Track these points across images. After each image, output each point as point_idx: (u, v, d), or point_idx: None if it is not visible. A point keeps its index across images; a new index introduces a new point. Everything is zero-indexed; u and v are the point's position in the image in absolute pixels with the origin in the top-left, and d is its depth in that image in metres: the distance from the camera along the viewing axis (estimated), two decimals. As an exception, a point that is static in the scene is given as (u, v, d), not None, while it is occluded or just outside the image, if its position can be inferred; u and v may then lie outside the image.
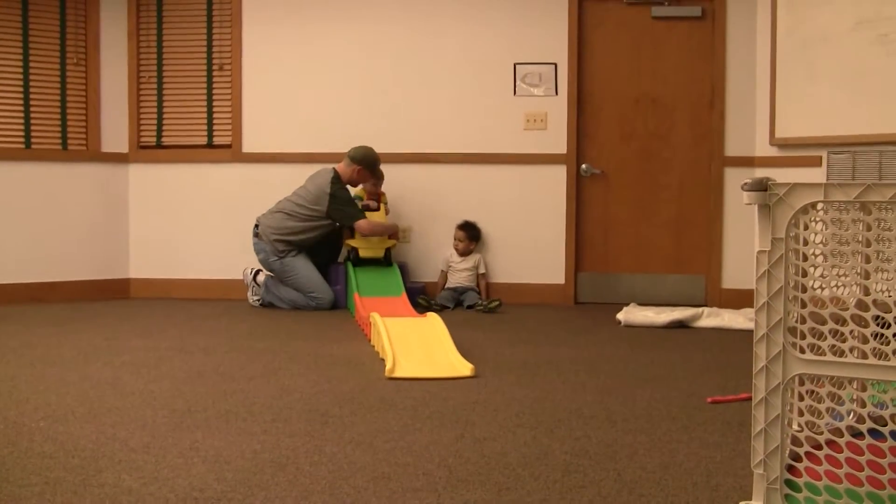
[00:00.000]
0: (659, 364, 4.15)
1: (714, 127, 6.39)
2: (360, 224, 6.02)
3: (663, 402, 3.33)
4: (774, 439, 1.86)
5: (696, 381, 3.74)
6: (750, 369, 3.09)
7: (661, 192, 6.51)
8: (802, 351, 1.83)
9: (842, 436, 1.79)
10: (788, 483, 1.87)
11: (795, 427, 1.86)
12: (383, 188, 6.36)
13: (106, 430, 2.89)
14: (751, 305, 5.62)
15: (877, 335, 1.78)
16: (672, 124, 6.48)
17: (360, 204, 6.14)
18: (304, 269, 6.04)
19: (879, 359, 1.78)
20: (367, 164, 6.08)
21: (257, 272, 6.22)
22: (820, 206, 1.81)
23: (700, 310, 5.46)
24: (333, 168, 6.12)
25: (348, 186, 6.14)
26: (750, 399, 3.23)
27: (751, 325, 5.18)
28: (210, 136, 6.68)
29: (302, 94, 6.59)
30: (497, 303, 5.94)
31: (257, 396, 3.36)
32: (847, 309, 1.78)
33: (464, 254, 6.39)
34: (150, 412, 3.10)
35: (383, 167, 6.30)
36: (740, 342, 4.82)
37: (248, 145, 6.63)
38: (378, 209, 6.16)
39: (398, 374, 3.77)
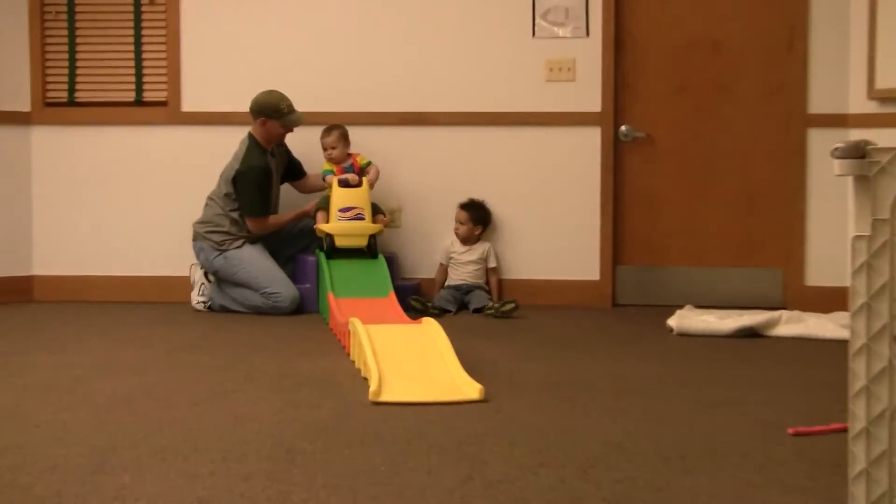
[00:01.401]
0: (723, 384, 4.13)
1: (793, 76, 6.37)
2: (250, 224, 6.16)
3: (730, 434, 3.31)
4: (879, 483, 1.84)
5: (772, 407, 3.72)
6: (844, 391, 3.05)
7: (722, 160, 6.49)
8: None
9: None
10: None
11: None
12: (370, 156, 6.33)
13: (2, 474, 2.87)
14: (843, 307, 5.60)
15: None
16: (738, 73, 6.46)
17: (332, 179, 6.11)
18: (253, 260, 6.08)
19: None
20: (268, 111, 6.09)
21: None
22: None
23: (776, 314, 5.44)
24: (248, 132, 6.20)
25: (272, 152, 6.21)
26: (845, 431, 3.21)
27: (844, 334, 5.16)
28: (139, 90, 6.66)
29: (259, 36, 6.57)
30: (512, 305, 5.93)
31: (203, 428, 3.35)
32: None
33: (467, 241, 6.38)
34: (61, 450, 3.08)
35: (361, 129, 6.30)
36: (830, 355, 4.80)
37: (189, 102, 6.61)
38: (359, 184, 6.13)
39: (386, 397, 3.76)
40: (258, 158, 6.11)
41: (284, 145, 6.35)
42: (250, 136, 6.16)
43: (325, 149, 6.26)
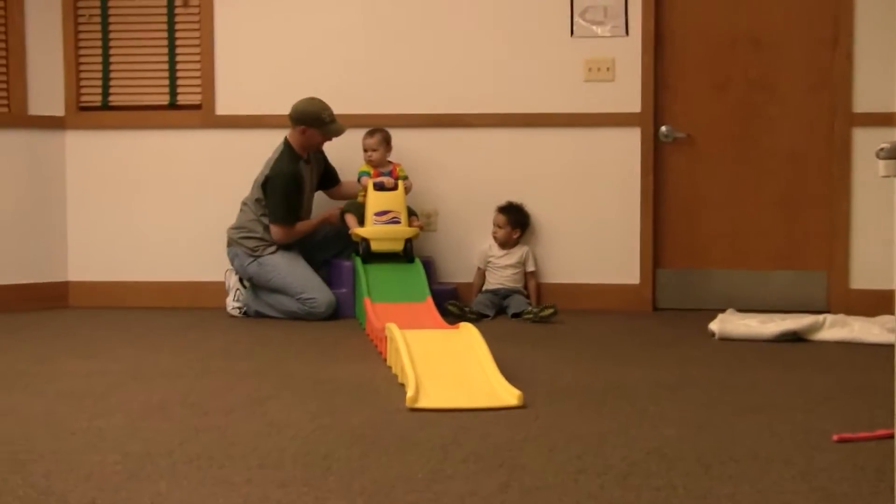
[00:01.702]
0: (766, 390, 4.12)
1: (838, 74, 6.33)
2: (274, 231, 6.16)
3: (773, 440, 3.30)
4: (926, 489, 1.83)
5: (816, 413, 3.70)
6: (890, 396, 3.04)
7: (766, 160, 6.46)
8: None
9: None
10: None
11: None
12: (402, 160, 6.35)
13: (37, 481, 2.89)
14: (889, 311, 5.57)
15: None
16: (781, 71, 6.43)
17: (367, 181, 6.13)
18: (287, 265, 6.10)
19: None
20: (310, 120, 6.11)
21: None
22: None
23: (821, 317, 5.41)
24: (285, 137, 6.21)
25: (305, 159, 6.22)
26: (891, 437, 3.20)
27: (890, 338, 5.12)
28: (173, 93, 6.70)
29: (293, 38, 6.60)
30: (551, 310, 5.93)
31: (238, 435, 3.36)
32: None
33: (506, 245, 6.38)
34: (96, 457, 3.11)
35: (396, 131, 6.31)
36: (876, 360, 4.76)
37: (224, 105, 6.64)
38: (395, 187, 6.14)
39: (423, 403, 3.76)
40: (290, 165, 6.12)
41: (322, 152, 6.36)
42: (286, 141, 6.18)
43: (365, 150, 6.27)
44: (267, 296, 6.14)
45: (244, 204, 6.24)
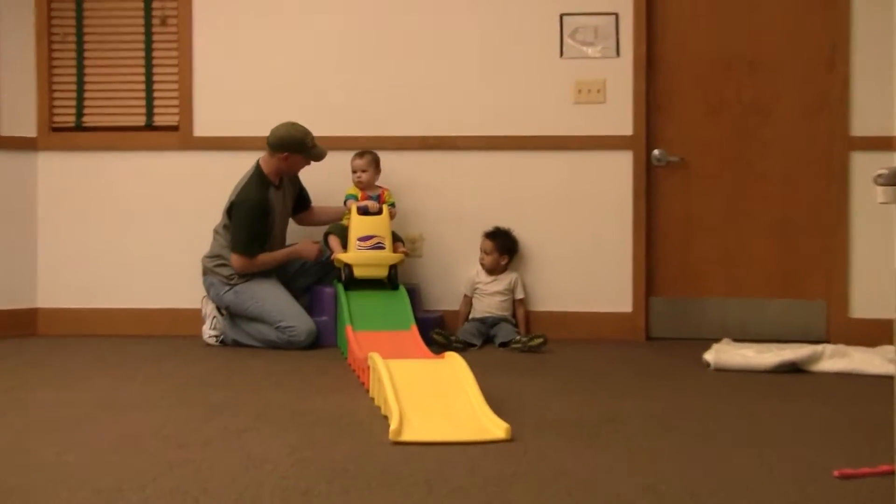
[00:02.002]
0: (763, 423, 4.11)
1: (835, 96, 6.35)
2: (234, 261, 6.09)
3: (770, 476, 3.28)
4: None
5: (815, 447, 3.69)
6: (892, 430, 3.03)
7: (761, 185, 6.47)
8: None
9: None
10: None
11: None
12: (386, 183, 6.33)
13: (6, 516, 2.86)
14: (890, 341, 5.56)
15: None
16: (776, 94, 6.44)
17: (353, 205, 6.12)
18: (265, 293, 6.08)
19: None
20: (293, 146, 6.08)
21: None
22: None
23: (820, 348, 5.41)
24: (257, 161, 6.19)
25: (285, 182, 6.21)
26: (894, 473, 3.18)
27: (892, 369, 5.12)
28: (149, 114, 6.69)
29: (274, 59, 6.60)
30: (540, 339, 5.91)
31: (215, 469, 3.34)
32: None
33: (493, 271, 6.37)
34: (65, 493, 3.08)
35: (381, 154, 6.31)
36: (878, 392, 4.75)
37: (202, 127, 6.64)
38: (380, 212, 6.13)
39: (407, 436, 3.74)
40: (258, 191, 6.07)
41: (296, 175, 6.35)
42: (258, 166, 6.15)
43: (354, 171, 6.26)
44: (245, 324, 6.11)
45: (216, 232, 6.21)
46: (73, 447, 3.64)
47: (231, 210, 6.10)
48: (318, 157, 6.17)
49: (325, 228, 6.39)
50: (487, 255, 6.36)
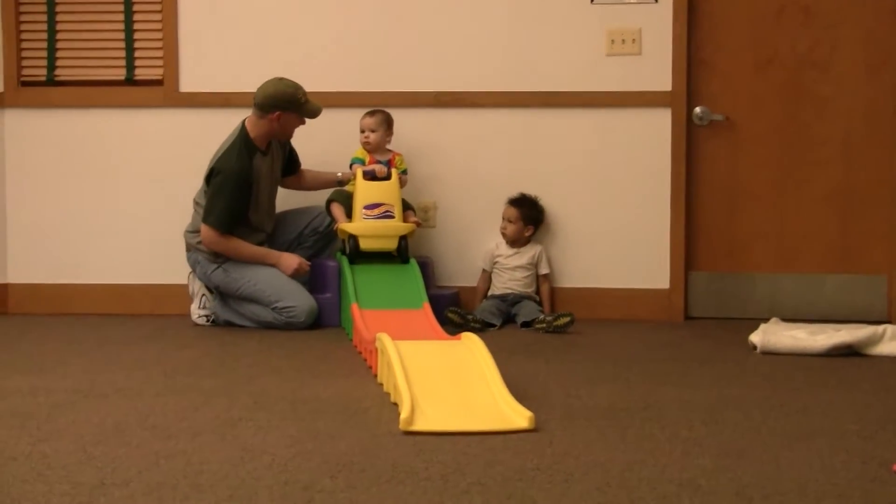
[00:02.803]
0: (816, 412, 4.11)
1: (901, 48, 6.35)
2: (204, 232, 6.06)
3: (824, 471, 3.29)
4: None
5: (874, 440, 3.69)
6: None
7: (817, 148, 6.47)
8: None
9: None
10: None
11: None
12: (395, 145, 6.35)
13: (-22, 512, 2.89)
14: (958, 322, 5.58)
15: None
16: (835, 45, 6.44)
17: (359, 169, 6.13)
18: (258, 270, 6.09)
19: None
20: (284, 102, 6.06)
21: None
22: None
23: (880, 329, 5.40)
24: (242, 122, 6.17)
25: (273, 145, 6.21)
26: (960, 465, 3.20)
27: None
28: (130, 67, 6.70)
29: (266, 7, 6.60)
30: (567, 319, 5.93)
31: (207, 462, 3.36)
32: None
33: (515, 243, 6.39)
34: (42, 487, 3.10)
35: (391, 112, 6.31)
36: (942, 378, 4.77)
37: (188, 82, 6.65)
38: (388, 177, 6.14)
39: (419, 426, 3.76)
40: (240, 160, 6.04)
41: (279, 147, 6.32)
42: (243, 128, 6.11)
43: (362, 130, 6.27)
44: (237, 304, 6.14)
45: (196, 203, 6.21)
46: (49, 438, 3.66)
47: (210, 177, 6.08)
48: (313, 113, 6.16)
49: (323, 195, 6.40)
50: (510, 224, 6.37)
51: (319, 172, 6.44)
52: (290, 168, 6.43)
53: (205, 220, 6.05)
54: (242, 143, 6.08)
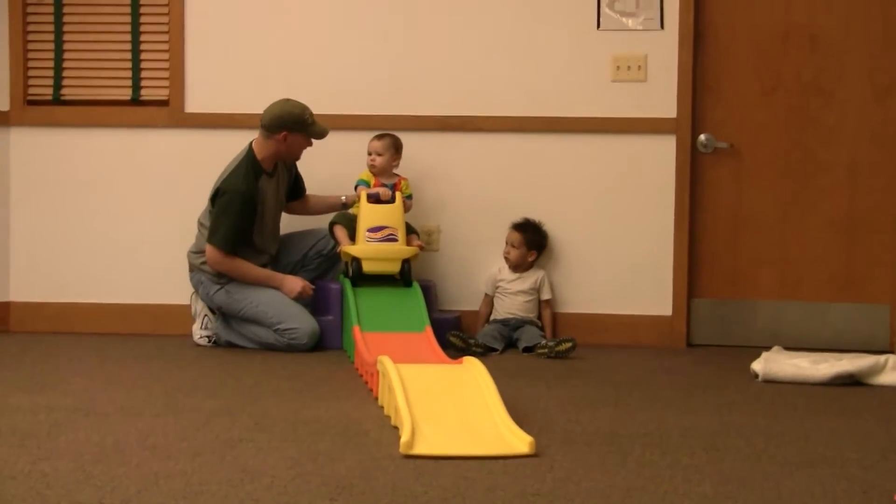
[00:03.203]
0: (817, 441, 4.12)
1: (907, 77, 6.36)
2: (208, 252, 6.07)
3: (825, 500, 3.30)
4: None
5: (875, 469, 3.70)
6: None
7: (821, 176, 6.47)
8: None
9: None
10: None
11: None
12: (400, 169, 6.35)
13: (-23, 530, 2.90)
14: (961, 352, 5.57)
15: None
16: (841, 72, 6.44)
17: (363, 191, 6.14)
18: (260, 291, 6.09)
19: None
20: (291, 123, 6.07)
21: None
22: None
23: (882, 358, 5.40)
24: (250, 143, 6.18)
25: (280, 167, 6.22)
26: (961, 496, 3.20)
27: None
28: (136, 87, 6.71)
29: (275, 27, 6.61)
30: (569, 344, 5.93)
31: (206, 483, 3.36)
32: None
33: (518, 267, 6.39)
34: (43, 504, 3.11)
35: (399, 135, 6.33)
36: (945, 408, 4.77)
37: (194, 102, 6.66)
38: (392, 200, 6.15)
39: (420, 449, 3.76)
40: (246, 181, 6.05)
41: (285, 170, 6.33)
42: (249, 150, 6.13)
43: (369, 153, 6.28)
44: (239, 325, 6.14)
45: (200, 223, 6.21)
46: (49, 456, 3.67)
47: (215, 197, 6.08)
48: (320, 134, 6.16)
49: (327, 218, 6.41)
50: (514, 249, 6.37)
51: (323, 197, 6.44)
52: (295, 193, 6.43)
53: (209, 239, 6.05)
54: (249, 164, 6.08)
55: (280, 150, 6.12)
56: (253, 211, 6.08)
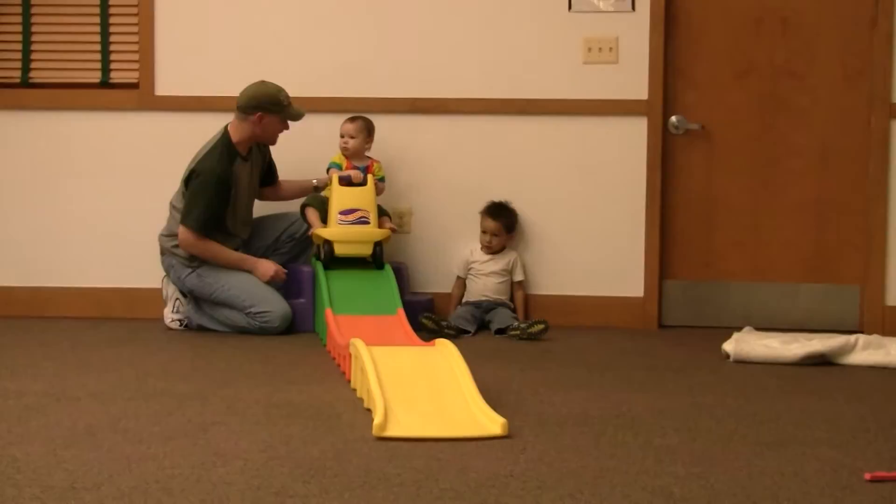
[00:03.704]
0: (788, 421, 4.14)
1: (877, 59, 6.37)
2: (181, 233, 6.05)
3: (797, 479, 3.31)
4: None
5: (846, 448, 3.72)
6: (930, 429, 3.07)
7: (793, 158, 6.49)
8: None
9: None
10: None
11: None
12: (372, 151, 6.35)
13: (-52, 515, 2.89)
14: (930, 332, 5.61)
15: None
16: (812, 55, 6.46)
17: (335, 174, 6.13)
18: (232, 275, 6.08)
19: None
20: (267, 103, 6.06)
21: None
22: None
23: (852, 338, 5.43)
24: (225, 126, 6.17)
25: (256, 150, 6.22)
26: (930, 475, 3.22)
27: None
28: (105, 70, 6.69)
29: (247, 8, 6.59)
30: (542, 326, 5.95)
31: (178, 466, 3.36)
32: None
33: (494, 251, 6.39)
34: (11, 491, 3.10)
35: (370, 118, 6.31)
36: (914, 388, 4.79)
37: (164, 85, 6.64)
38: (364, 183, 6.14)
39: (392, 432, 3.77)
40: (221, 163, 6.04)
41: (258, 155, 6.32)
42: (225, 133, 6.12)
43: (342, 136, 6.26)
44: (211, 308, 6.13)
45: (172, 206, 6.19)
46: (20, 441, 3.66)
47: (189, 179, 6.07)
48: (296, 116, 6.15)
49: (298, 201, 6.39)
50: (495, 237, 6.36)
51: (295, 181, 6.43)
52: (267, 179, 6.42)
53: (182, 221, 6.04)
54: (224, 147, 6.08)
55: (255, 132, 6.11)
56: (227, 194, 6.07)
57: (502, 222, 6.38)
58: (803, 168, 6.47)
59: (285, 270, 6.17)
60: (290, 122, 6.18)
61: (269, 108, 6.05)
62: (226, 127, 6.14)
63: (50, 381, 4.69)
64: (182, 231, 6.04)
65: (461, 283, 6.48)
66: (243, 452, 3.53)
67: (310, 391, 4.53)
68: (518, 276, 6.44)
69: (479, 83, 6.51)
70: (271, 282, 6.09)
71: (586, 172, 6.49)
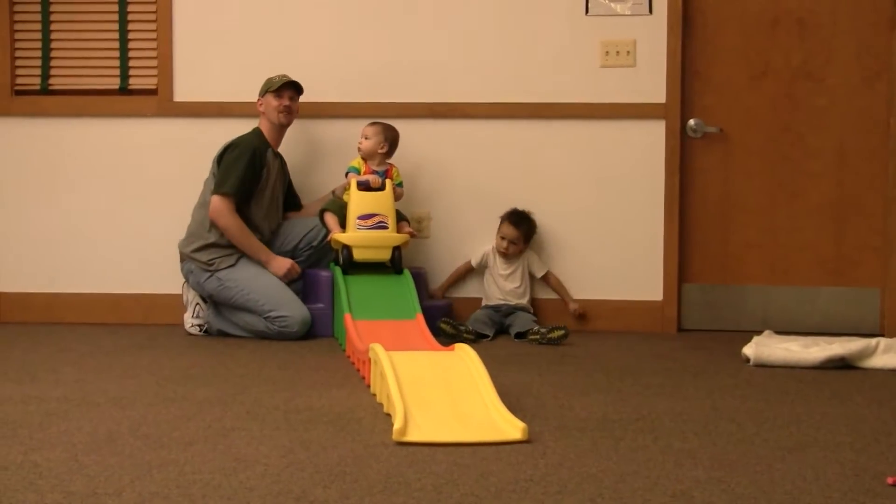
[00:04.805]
0: (809, 424, 4.12)
1: None
2: (214, 202, 6.09)
3: (818, 483, 3.30)
4: None
5: (867, 452, 3.70)
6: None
7: (811, 161, 6.49)
8: None
9: None
10: None
11: None
12: (392, 157, 6.34)
13: (-30, 521, 2.89)
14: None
15: None
16: (830, 56, 6.45)
17: (353, 178, 6.13)
18: (252, 279, 6.09)
19: None
20: (262, 90, 6.27)
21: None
22: None
23: (873, 341, 5.42)
24: (257, 126, 6.33)
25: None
26: (953, 478, 3.20)
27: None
28: (124, 76, 6.71)
29: (265, 15, 6.61)
30: (562, 331, 5.94)
31: (199, 472, 3.36)
32: None
33: (510, 258, 6.39)
34: (33, 497, 3.10)
35: (388, 122, 6.32)
36: (935, 391, 4.78)
37: (183, 91, 6.66)
38: (382, 187, 6.14)
39: (412, 437, 3.76)
40: (258, 141, 6.18)
41: (285, 164, 6.40)
42: (256, 128, 6.27)
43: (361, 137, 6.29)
44: (231, 313, 6.15)
45: (196, 208, 6.25)
46: (41, 447, 3.66)
47: (224, 153, 6.16)
48: (277, 83, 6.23)
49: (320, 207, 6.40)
50: (513, 245, 6.36)
51: (317, 200, 6.51)
52: (292, 203, 6.52)
53: (216, 190, 6.09)
54: (257, 134, 6.24)
55: (266, 118, 6.27)
56: (261, 171, 6.17)
57: (523, 231, 6.39)
58: (821, 170, 6.46)
59: (300, 269, 6.22)
60: (283, 94, 6.23)
61: (262, 91, 6.25)
62: (257, 126, 6.30)
63: (70, 387, 4.70)
64: (215, 200, 6.08)
65: (468, 266, 6.54)
66: (263, 457, 3.53)
67: (329, 396, 4.53)
68: (540, 272, 6.46)
69: (496, 88, 6.51)
70: (286, 278, 6.12)
71: (604, 176, 6.49)
